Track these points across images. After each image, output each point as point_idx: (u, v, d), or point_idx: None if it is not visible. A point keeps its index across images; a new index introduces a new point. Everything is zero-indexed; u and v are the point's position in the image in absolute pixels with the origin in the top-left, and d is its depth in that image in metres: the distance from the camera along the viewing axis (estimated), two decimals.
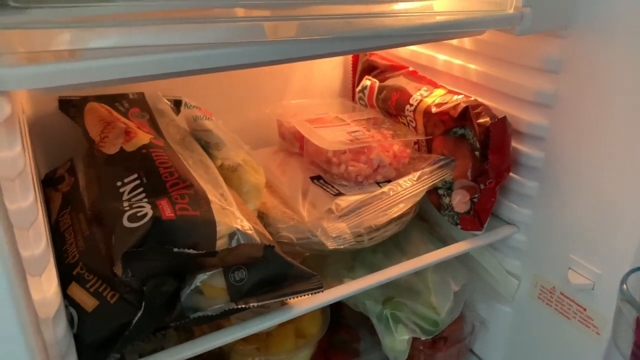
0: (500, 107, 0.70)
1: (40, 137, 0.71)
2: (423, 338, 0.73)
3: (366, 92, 0.83)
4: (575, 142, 0.64)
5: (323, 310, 0.74)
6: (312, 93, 0.90)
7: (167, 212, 0.49)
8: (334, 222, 0.65)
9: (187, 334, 0.65)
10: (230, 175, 0.65)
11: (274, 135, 0.83)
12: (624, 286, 0.43)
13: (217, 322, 0.58)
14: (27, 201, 0.37)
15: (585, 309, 0.67)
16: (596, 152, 0.61)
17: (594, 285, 0.65)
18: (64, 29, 0.37)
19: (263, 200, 0.69)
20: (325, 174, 0.73)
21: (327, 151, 0.71)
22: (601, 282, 0.64)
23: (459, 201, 0.71)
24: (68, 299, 0.48)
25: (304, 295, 0.55)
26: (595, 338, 0.66)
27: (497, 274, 0.76)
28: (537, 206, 0.71)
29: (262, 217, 0.68)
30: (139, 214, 0.48)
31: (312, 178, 0.74)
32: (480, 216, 0.69)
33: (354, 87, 0.90)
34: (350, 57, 0.90)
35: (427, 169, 0.72)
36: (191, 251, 0.47)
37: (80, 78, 0.38)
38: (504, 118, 0.66)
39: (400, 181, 0.70)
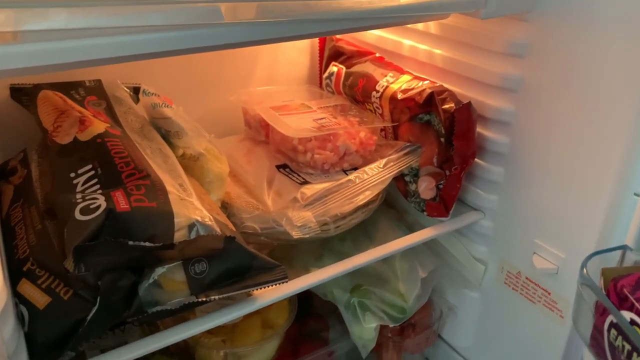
0: (466, 92, 0.70)
1: None
2: (391, 325, 0.73)
3: (333, 78, 0.82)
4: (541, 126, 0.64)
5: (290, 300, 0.73)
6: (278, 80, 0.88)
7: (122, 203, 0.47)
8: (299, 211, 0.64)
9: (151, 328, 0.63)
10: (192, 164, 0.63)
11: (239, 123, 0.82)
12: (584, 270, 0.43)
13: (181, 315, 0.56)
14: None
15: (549, 293, 0.67)
16: (561, 137, 0.62)
17: (558, 270, 0.65)
18: (3, 9, 0.34)
19: (227, 190, 0.68)
20: (292, 163, 0.72)
21: (292, 139, 0.70)
22: (565, 267, 0.65)
23: (425, 188, 0.71)
24: (18, 297, 0.46)
25: (268, 286, 0.54)
26: (559, 321, 0.67)
27: (464, 259, 0.76)
28: (503, 192, 0.71)
29: (225, 207, 0.67)
30: (92, 206, 0.46)
31: (278, 167, 0.72)
32: (446, 202, 0.69)
33: (320, 74, 0.88)
34: (317, 43, 0.89)
35: (394, 156, 0.71)
36: (147, 244, 0.46)
37: (23, 62, 0.36)
38: (469, 103, 0.65)
39: (367, 168, 0.69)
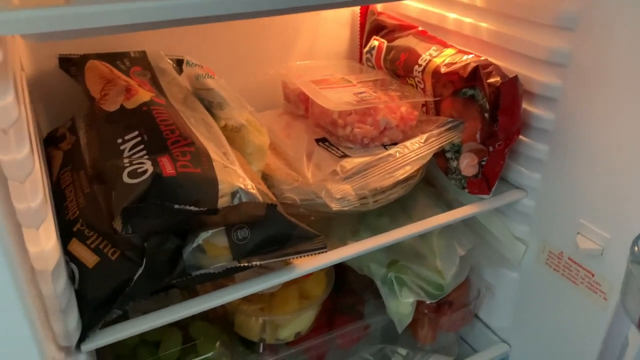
0: (511, 67, 0.68)
1: (42, 97, 0.70)
2: (428, 302, 0.72)
3: (374, 52, 0.81)
4: (589, 103, 0.62)
5: (327, 272, 0.74)
6: (318, 54, 0.88)
7: (168, 168, 0.48)
8: (339, 184, 0.64)
9: (191, 294, 0.65)
10: (233, 136, 0.64)
11: (278, 97, 0.82)
12: (635, 248, 0.42)
13: (220, 282, 0.57)
14: (21, 153, 0.36)
15: (593, 275, 0.66)
16: (610, 114, 0.59)
17: (603, 251, 0.63)
18: None
19: (267, 162, 0.68)
20: (331, 136, 0.72)
21: (332, 113, 0.70)
22: (610, 248, 0.63)
23: (467, 164, 0.70)
24: (69, 255, 0.48)
25: (307, 256, 0.54)
26: (602, 304, 0.65)
27: (504, 238, 0.75)
28: (547, 170, 0.69)
29: (265, 178, 0.67)
30: (139, 170, 0.48)
31: (317, 140, 0.72)
32: (488, 179, 0.68)
33: (361, 48, 0.88)
34: (358, 17, 0.88)
35: (435, 131, 0.70)
36: (192, 208, 0.47)
37: (72, 24, 0.37)
38: (515, 77, 0.63)
39: (407, 143, 0.68)
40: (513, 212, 0.75)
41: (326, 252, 0.55)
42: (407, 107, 0.72)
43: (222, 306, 0.72)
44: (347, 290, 0.85)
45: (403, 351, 0.80)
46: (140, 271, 0.47)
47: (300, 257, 0.54)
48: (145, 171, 0.47)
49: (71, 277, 0.47)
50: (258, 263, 0.51)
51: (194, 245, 0.50)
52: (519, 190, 0.73)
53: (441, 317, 0.77)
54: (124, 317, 0.52)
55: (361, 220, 0.76)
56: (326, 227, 0.74)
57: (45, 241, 0.39)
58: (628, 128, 0.58)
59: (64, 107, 0.69)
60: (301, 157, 0.69)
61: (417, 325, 0.77)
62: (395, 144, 0.70)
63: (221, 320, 0.73)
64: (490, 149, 0.67)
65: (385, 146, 0.70)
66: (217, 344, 0.67)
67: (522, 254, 0.75)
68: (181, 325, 0.69)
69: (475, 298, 0.80)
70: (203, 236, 0.51)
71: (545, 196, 0.70)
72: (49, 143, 0.63)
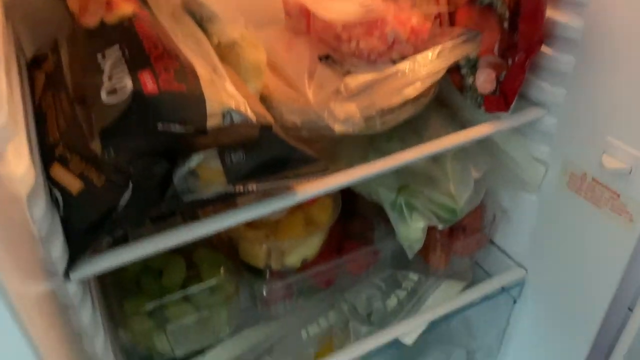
0: None
1: (24, 21, 0.65)
2: (440, 227, 0.69)
3: None
4: (622, 7, 0.55)
5: (333, 198, 0.71)
6: None
7: (150, 85, 0.44)
8: (343, 104, 0.59)
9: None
10: (227, 53, 0.59)
11: (279, 12, 0.76)
12: None
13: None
14: None
15: (618, 196, 0.61)
16: None
17: (632, 169, 0.59)
18: None
19: (265, 82, 0.64)
20: (335, 53, 0.66)
21: (335, 26, 0.64)
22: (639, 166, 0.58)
23: (484, 80, 0.64)
24: (51, 181, 0.45)
25: (308, 179, 0.51)
26: (627, 226, 0.61)
27: (522, 160, 0.70)
28: (572, 84, 0.63)
29: (264, 100, 0.63)
30: (118, 88, 0.44)
31: (320, 57, 0.67)
32: (507, 95, 0.62)
33: None
34: None
35: (449, 44, 0.64)
36: (178, 128, 0.43)
37: None
38: None
39: (418, 58, 0.63)
40: (533, 131, 0.70)
41: (328, 175, 0.51)
42: (419, 19, 0.65)
43: (227, 233, 0.70)
44: (357, 217, 0.82)
45: (415, 276, 0.79)
46: (126, 196, 0.44)
47: (301, 180, 0.51)
48: (125, 88, 0.44)
49: (55, 204, 0.44)
50: (255, 187, 0.48)
51: (186, 169, 0.47)
52: (540, 107, 0.67)
53: (454, 243, 0.74)
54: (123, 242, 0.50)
55: (370, 145, 0.72)
56: (333, 152, 0.71)
57: (15, 164, 0.36)
58: None
59: (47, 30, 0.64)
60: (302, 76, 0.64)
61: (429, 251, 0.75)
62: (405, 59, 0.64)
63: (226, 247, 0.71)
64: (510, 61, 0.61)
65: (394, 62, 0.64)
66: (222, 270, 0.66)
67: (542, 177, 0.71)
68: (185, 253, 0.67)
69: (490, 223, 0.76)
70: (195, 160, 0.47)
71: (569, 113, 0.65)
72: (32, 65, 0.59)
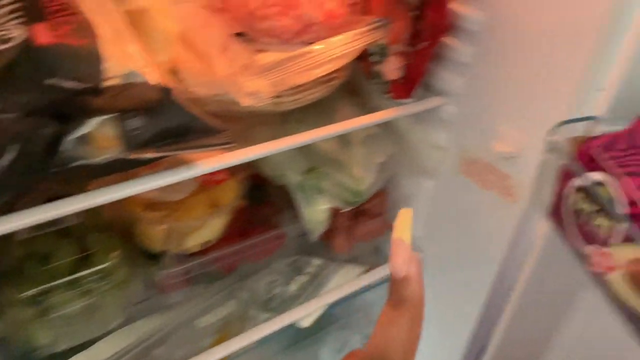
0: None
1: None
2: (343, 209, 0.70)
3: None
4: (516, 2, 0.59)
5: (240, 180, 0.69)
6: None
7: (42, 37, 0.40)
8: (252, 78, 0.58)
9: None
10: (137, 20, 0.56)
11: None
12: (552, 137, 0.40)
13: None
14: None
15: (507, 177, 0.65)
16: (540, 15, 0.57)
17: (519, 154, 0.63)
18: None
19: (176, 56, 0.61)
20: (250, 31, 0.65)
21: (250, 3, 0.63)
22: (526, 151, 0.62)
23: (391, 67, 0.66)
24: None
25: (211, 150, 0.49)
26: (512, 206, 0.66)
27: (422, 146, 0.73)
28: (471, 74, 0.67)
29: (173, 73, 0.60)
30: (6, 37, 0.40)
31: (233, 35, 0.65)
32: (410, 83, 0.65)
33: None
34: None
35: (359, 30, 0.65)
36: (70, 84, 0.40)
37: None
38: None
39: (330, 40, 0.63)
40: (433, 119, 0.73)
41: (233, 147, 0.50)
42: (335, 4, 0.66)
43: (123, 215, 0.66)
44: (265, 203, 0.81)
45: (317, 261, 0.79)
46: (11, 156, 0.40)
47: (203, 152, 0.49)
48: (14, 38, 0.40)
49: None
50: (152, 156, 0.46)
51: (78, 133, 0.44)
52: (441, 96, 0.70)
53: (357, 226, 0.75)
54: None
55: (281, 129, 0.71)
56: (245, 137, 0.69)
57: None
58: (555, 31, 0.55)
59: None
60: (214, 51, 0.63)
61: (333, 235, 0.76)
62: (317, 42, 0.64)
63: (125, 232, 0.67)
64: (415, 48, 0.63)
65: (307, 44, 0.64)
66: (114, 254, 0.61)
67: (440, 162, 0.74)
68: (79, 238, 0.62)
69: (390, 208, 0.79)
70: (89, 123, 0.44)
71: (467, 102, 0.69)
72: None
